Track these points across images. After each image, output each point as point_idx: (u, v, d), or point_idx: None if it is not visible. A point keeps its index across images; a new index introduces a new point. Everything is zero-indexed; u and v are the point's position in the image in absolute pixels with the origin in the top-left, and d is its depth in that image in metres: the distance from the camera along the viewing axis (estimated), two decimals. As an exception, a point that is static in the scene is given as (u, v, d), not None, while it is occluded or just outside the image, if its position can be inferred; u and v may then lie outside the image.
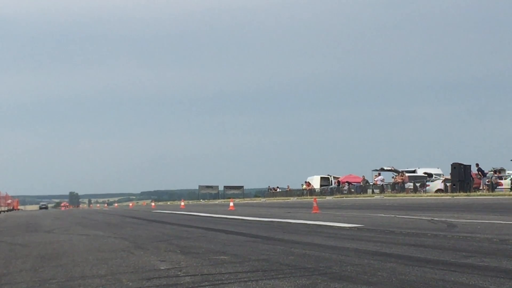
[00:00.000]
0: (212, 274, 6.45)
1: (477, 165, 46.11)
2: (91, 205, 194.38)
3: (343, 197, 56.94)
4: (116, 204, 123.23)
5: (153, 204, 71.91)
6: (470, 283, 5.49)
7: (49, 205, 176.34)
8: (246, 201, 68.29)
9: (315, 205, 22.33)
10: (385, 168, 62.83)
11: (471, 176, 45.28)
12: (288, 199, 66.39)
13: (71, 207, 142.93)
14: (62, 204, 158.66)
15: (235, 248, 9.02)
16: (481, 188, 45.01)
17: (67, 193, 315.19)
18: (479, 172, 45.75)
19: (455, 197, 37.18)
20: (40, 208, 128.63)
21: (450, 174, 46.52)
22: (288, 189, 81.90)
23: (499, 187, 44.03)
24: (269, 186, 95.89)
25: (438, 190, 49.27)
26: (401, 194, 49.24)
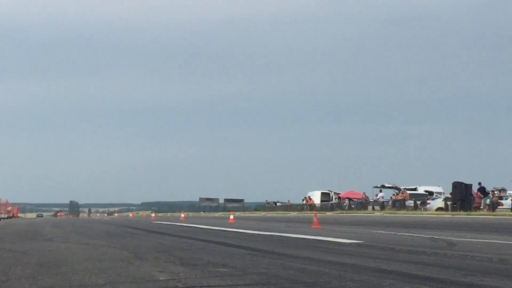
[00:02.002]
0: (211, 286, 6.46)
1: (479, 184, 46.11)
2: (91, 214, 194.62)
3: (343, 212, 56.90)
4: (116, 214, 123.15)
5: (153, 215, 71.86)
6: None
7: (49, 214, 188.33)
8: (246, 215, 68.23)
9: (315, 220, 22.31)
10: (386, 185, 62.80)
11: (472, 195, 45.26)
12: (288, 213, 66.33)
13: (70, 216, 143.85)
14: (58, 215, 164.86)
15: (235, 260, 9.03)
16: (481, 207, 44.97)
17: (68, 202, 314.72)
18: (480, 192, 45.75)
19: (455, 216, 37.13)
20: (37, 216, 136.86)
21: (451, 193, 46.51)
22: (288, 204, 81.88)
23: (500, 207, 43.99)
24: (266, 200, 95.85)
25: (439, 209, 49.21)
26: (402, 212, 49.18)
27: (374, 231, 17.85)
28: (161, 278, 7.08)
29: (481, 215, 37.49)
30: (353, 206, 62.80)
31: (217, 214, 78.47)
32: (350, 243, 12.72)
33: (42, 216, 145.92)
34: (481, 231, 17.76)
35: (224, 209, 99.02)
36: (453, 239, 13.70)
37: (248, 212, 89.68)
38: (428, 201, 52.68)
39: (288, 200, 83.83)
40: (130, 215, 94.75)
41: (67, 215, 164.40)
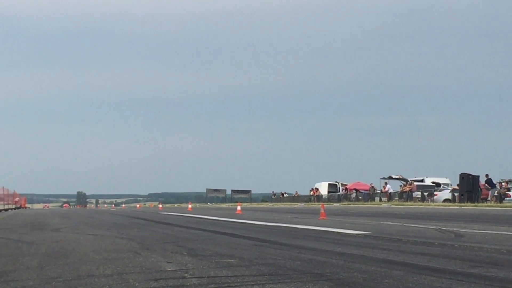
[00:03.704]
0: (218, 276, 6.46)
1: (486, 175, 45.99)
2: (98, 205, 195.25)
3: (350, 204, 56.88)
4: (123, 205, 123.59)
5: (160, 206, 71.95)
6: (477, 293, 5.48)
7: (56, 205, 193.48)
8: (253, 206, 68.27)
9: (322, 211, 22.29)
10: (393, 177, 62.74)
11: (479, 186, 45.16)
12: (295, 204, 66.34)
13: (78, 207, 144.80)
14: (64, 206, 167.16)
15: (242, 251, 9.03)
16: (489, 199, 44.88)
17: (75, 193, 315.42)
18: (487, 183, 45.64)
19: (462, 207, 37.08)
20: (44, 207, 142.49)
21: (458, 184, 46.42)
22: (296, 195, 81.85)
23: (507, 198, 43.90)
24: (273, 192, 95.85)
25: (446, 200, 49.16)
26: (409, 203, 49.15)
27: (381, 223, 17.83)
28: (168, 269, 7.08)
29: (489, 207, 37.40)
30: (360, 198, 62.76)
31: (224, 205, 78.55)
32: (357, 234, 12.70)
33: (48, 207, 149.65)
34: (488, 222, 17.72)
35: (231, 200, 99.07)
36: (460, 230, 13.67)
37: (255, 203, 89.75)
38: (435, 193, 52.59)
39: (296, 191, 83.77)
40: (137, 206, 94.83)
41: (74, 206, 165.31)
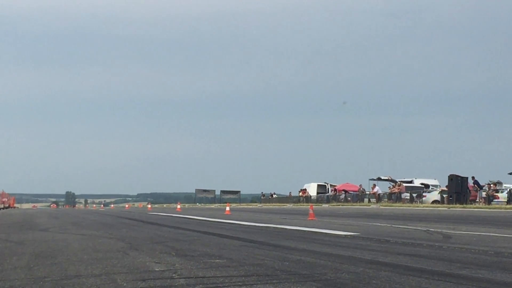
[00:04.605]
0: (206, 277, 6.45)
1: (473, 178, 46.19)
2: (87, 205, 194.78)
3: (339, 205, 56.92)
4: (112, 205, 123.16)
5: (149, 206, 71.84)
6: (465, 294, 5.49)
7: (45, 205, 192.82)
8: (242, 206, 68.28)
9: (311, 212, 22.31)
10: (382, 178, 62.81)
11: (468, 188, 45.33)
12: (284, 205, 66.37)
13: (66, 207, 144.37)
14: (51, 206, 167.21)
15: (230, 252, 9.02)
16: (477, 200, 45.06)
17: (64, 193, 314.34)
18: (475, 185, 45.84)
19: (451, 209, 37.19)
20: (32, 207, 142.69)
21: (447, 185, 46.56)
22: (290, 196, 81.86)
23: (496, 200, 44.09)
24: (262, 192, 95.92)
25: (435, 201, 49.26)
26: (398, 204, 49.22)
27: (370, 224, 17.86)
28: (156, 269, 7.08)
29: (477, 208, 37.55)
30: (349, 199, 62.79)
31: (213, 206, 78.48)
32: (346, 235, 12.72)
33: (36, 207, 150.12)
34: (476, 224, 17.78)
35: (220, 200, 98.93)
36: (448, 231, 13.72)
37: (244, 204, 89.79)
38: (424, 194, 52.70)
39: (290, 192, 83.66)
40: (126, 206, 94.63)
41: (63, 206, 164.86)
